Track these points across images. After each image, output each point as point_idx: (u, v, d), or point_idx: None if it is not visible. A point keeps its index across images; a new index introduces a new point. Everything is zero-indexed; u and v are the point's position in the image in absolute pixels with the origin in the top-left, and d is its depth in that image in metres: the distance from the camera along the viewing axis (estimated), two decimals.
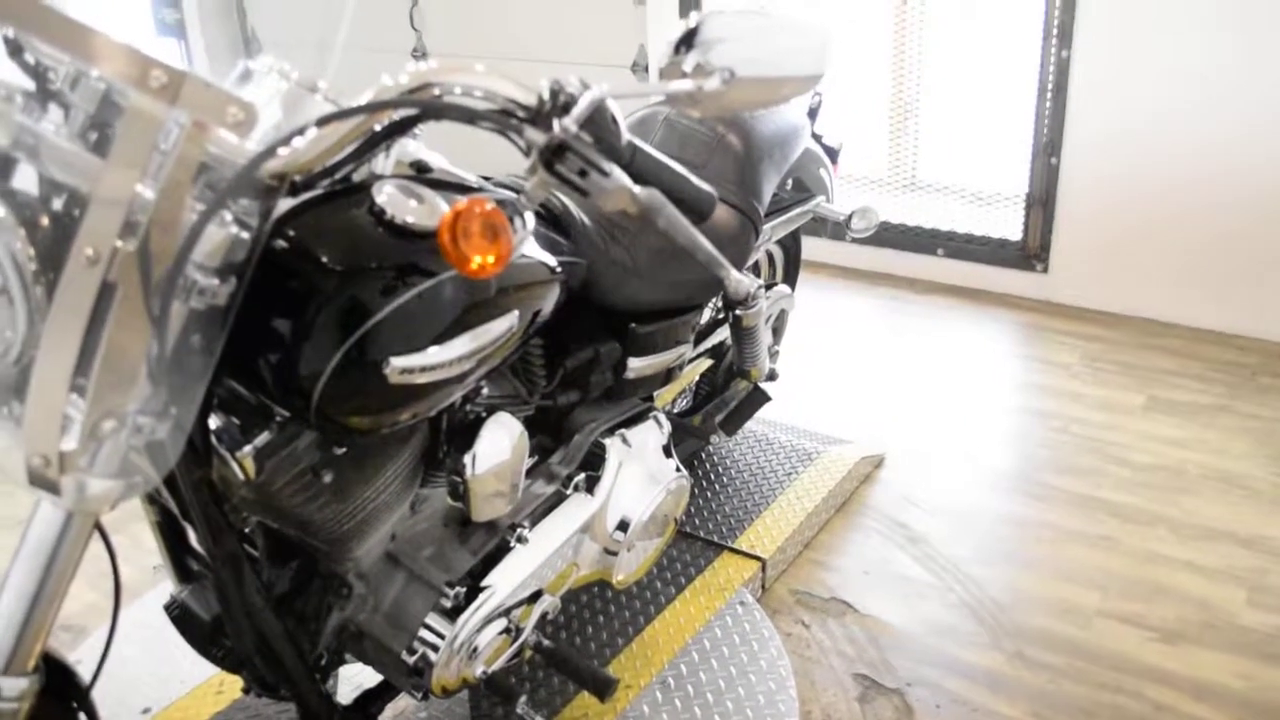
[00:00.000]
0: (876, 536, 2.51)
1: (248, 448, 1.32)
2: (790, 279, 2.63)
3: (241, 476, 1.34)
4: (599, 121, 1.04)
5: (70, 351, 0.93)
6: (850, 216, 2.36)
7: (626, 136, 1.08)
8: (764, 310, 2.14)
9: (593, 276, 1.68)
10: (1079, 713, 1.98)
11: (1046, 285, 3.65)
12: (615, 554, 1.85)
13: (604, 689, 1.71)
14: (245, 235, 1.03)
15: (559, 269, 1.52)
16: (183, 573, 1.58)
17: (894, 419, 3.00)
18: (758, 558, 2.32)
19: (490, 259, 1.02)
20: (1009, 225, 3.72)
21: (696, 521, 2.44)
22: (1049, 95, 3.44)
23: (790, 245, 2.55)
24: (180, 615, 1.53)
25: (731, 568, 2.30)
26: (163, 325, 0.96)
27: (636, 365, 1.83)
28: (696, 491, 2.54)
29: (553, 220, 1.65)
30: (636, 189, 1.05)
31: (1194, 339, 3.37)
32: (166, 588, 1.63)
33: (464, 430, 1.50)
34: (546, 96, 1.06)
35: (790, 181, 2.34)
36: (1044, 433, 2.91)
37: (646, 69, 4.34)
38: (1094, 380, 3.17)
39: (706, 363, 2.23)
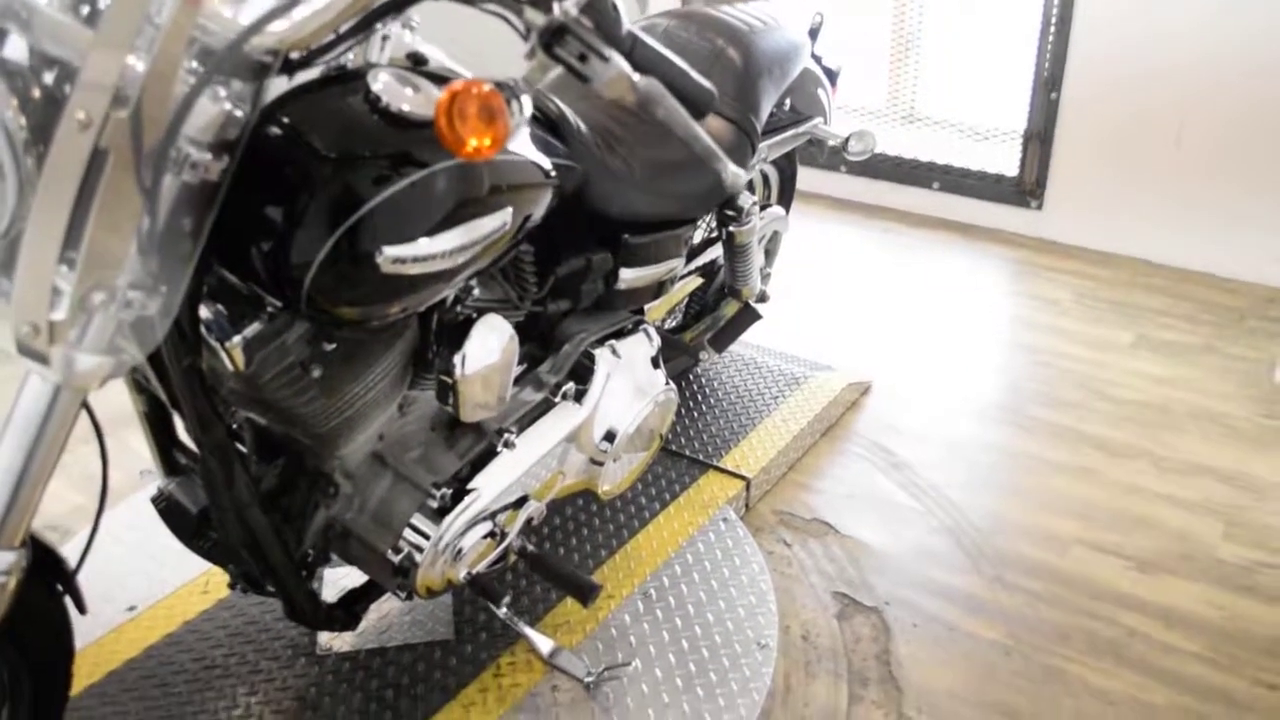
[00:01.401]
0: (861, 461, 2.53)
1: (237, 338, 1.31)
2: (785, 201, 2.61)
3: (230, 368, 1.34)
4: (599, 8, 1.02)
5: (60, 219, 0.91)
6: (848, 139, 2.34)
7: (627, 25, 1.06)
8: (757, 228, 2.13)
9: (588, 184, 1.67)
10: (1054, 636, 2.01)
11: (1041, 222, 3.64)
12: (601, 464, 1.86)
13: (586, 594, 1.73)
14: (239, 113, 1.02)
15: (553, 173, 1.50)
16: (170, 466, 1.58)
17: (882, 348, 3.01)
18: (742, 477, 2.33)
19: (486, 141, 1.01)
20: (1006, 161, 3.70)
21: (683, 440, 2.45)
22: (1052, 29, 3.40)
23: (785, 167, 2.53)
24: (167, 508, 1.54)
25: (716, 486, 2.31)
26: (154, 196, 0.95)
27: (628, 276, 1.82)
28: (684, 411, 2.54)
29: (549, 125, 1.63)
30: (636, 77, 1.03)
31: (1185, 280, 3.37)
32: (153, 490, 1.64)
33: (454, 331, 1.50)
34: None
35: (788, 103, 2.31)
36: (1031, 366, 2.92)
37: None
38: (1083, 317, 3.17)
39: (697, 281, 2.22)
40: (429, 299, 1.35)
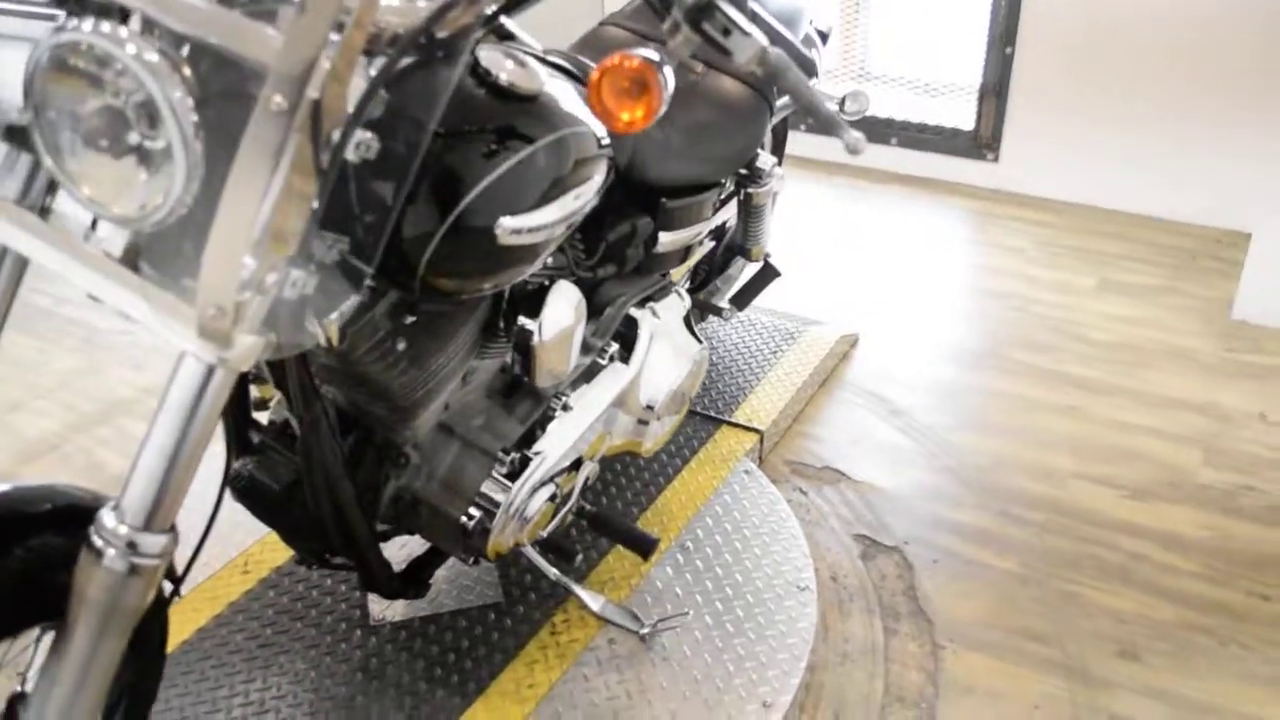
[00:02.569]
0: (860, 410, 2.63)
1: (334, 314, 1.34)
2: (778, 159, 2.69)
3: (325, 344, 1.37)
4: None
5: (254, 203, 0.94)
6: (843, 100, 2.41)
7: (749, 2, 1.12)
8: (774, 189, 2.20)
9: (633, 152, 1.72)
10: (1064, 564, 2.14)
11: (998, 174, 3.77)
12: (647, 423, 1.92)
13: (647, 548, 1.80)
14: (382, 93, 1.05)
15: (606, 143, 1.55)
16: (244, 446, 1.61)
17: (862, 302, 3.11)
18: (756, 430, 2.42)
19: (639, 113, 1.06)
20: (962, 116, 3.82)
21: (694, 398, 2.52)
22: None
23: (779, 128, 2.61)
24: (247, 487, 1.56)
25: (732, 440, 2.40)
26: (328, 178, 0.98)
27: (666, 240, 1.88)
28: None
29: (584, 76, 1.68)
30: (771, 48, 1.09)
31: (1138, 225, 3.53)
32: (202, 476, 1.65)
33: (527, 299, 1.54)
34: None
35: None
36: (1005, 312, 3.06)
37: None
38: (1047, 263, 3.32)
39: (710, 244, 2.29)
40: (530, 268, 1.39)
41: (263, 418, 1.64)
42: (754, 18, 1.13)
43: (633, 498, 2.21)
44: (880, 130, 3.94)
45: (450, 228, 1.21)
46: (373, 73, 1.06)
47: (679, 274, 2.16)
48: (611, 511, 1.97)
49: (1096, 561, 2.15)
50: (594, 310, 1.86)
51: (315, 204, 0.99)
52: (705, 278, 2.47)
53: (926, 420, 2.58)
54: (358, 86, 1.01)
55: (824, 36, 2.50)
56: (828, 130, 1.23)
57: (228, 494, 1.51)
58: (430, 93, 1.14)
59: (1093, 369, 2.78)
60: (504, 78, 1.20)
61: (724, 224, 2.32)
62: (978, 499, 2.32)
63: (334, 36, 0.95)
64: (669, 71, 1.09)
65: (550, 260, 1.64)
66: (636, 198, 1.81)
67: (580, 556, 1.98)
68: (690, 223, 1.93)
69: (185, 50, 1.01)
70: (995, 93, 3.67)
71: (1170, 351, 2.85)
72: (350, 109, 0.99)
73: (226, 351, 1.01)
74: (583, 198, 1.35)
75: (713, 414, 2.46)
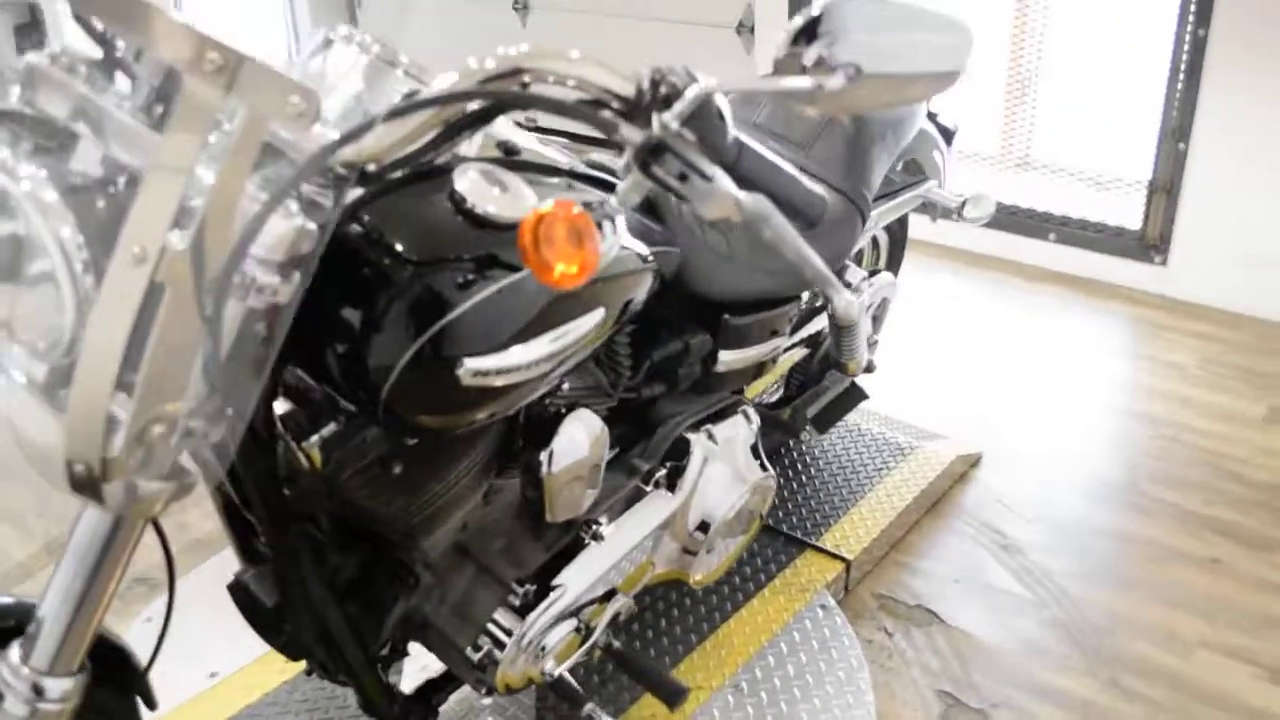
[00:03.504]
0: (969, 541, 2.39)
1: (314, 438, 1.26)
2: (894, 265, 2.50)
3: (307, 467, 1.29)
4: (704, 118, 0.93)
5: (115, 353, 0.86)
6: (964, 204, 2.22)
7: (733, 133, 0.97)
8: (865, 302, 2.02)
9: (686, 264, 1.59)
10: None
11: (1165, 279, 3.45)
12: (694, 554, 1.77)
13: (674, 697, 1.64)
14: (312, 227, 0.96)
15: (651, 258, 1.43)
16: (247, 553, 1.54)
17: (993, 415, 2.86)
18: (843, 558, 2.22)
19: (574, 268, 0.93)
20: (1128, 213, 3.51)
21: (780, 515, 2.34)
22: (1181, 75, 3.21)
23: (896, 229, 2.42)
24: (243, 598, 1.49)
25: (814, 567, 2.20)
26: (216, 325, 0.89)
27: (728, 358, 1.73)
28: (782, 482, 2.44)
29: (646, 204, 1.55)
30: (741, 195, 0.94)
31: None
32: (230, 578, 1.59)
33: (542, 425, 1.42)
34: (646, 88, 0.95)
35: (901, 164, 2.20)
36: (1152, 440, 2.75)
37: (752, 30, 4.18)
38: (1210, 385, 2.98)
39: (801, 352, 2.12)
40: (517, 405, 1.28)
41: None
42: (739, 152, 0.98)
43: (694, 624, 2.05)
44: (1038, 224, 3.68)
45: (412, 363, 1.10)
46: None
47: (756, 389, 2.00)
48: (639, 653, 1.82)
49: None
50: (642, 432, 1.73)
51: (208, 352, 0.89)
52: (801, 385, 2.30)
53: (1043, 562, 2.32)
54: (281, 225, 0.92)
55: (948, 135, 2.32)
56: (820, 287, 1.07)
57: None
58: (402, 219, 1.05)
59: (1246, 516, 2.45)
60: (479, 205, 1.09)
61: (819, 333, 2.15)
62: (1087, 663, 2.05)
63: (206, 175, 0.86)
64: (619, 221, 0.95)
65: (575, 380, 1.52)
66: (693, 311, 1.67)
67: (610, 684, 1.83)
68: (757, 340, 1.77)
69: (100, 169, 0.94)
70: (1166, 190, 3.36)
71: None
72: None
73: (122, 500, 0.92)
74: (571, 335, 1.22)
75: (798, 535, 2.28)
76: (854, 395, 2.13)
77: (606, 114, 0.94)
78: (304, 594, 1.35)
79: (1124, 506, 2.49)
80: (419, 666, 1.74)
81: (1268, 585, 2.23)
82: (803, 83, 0.94)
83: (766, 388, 2.28)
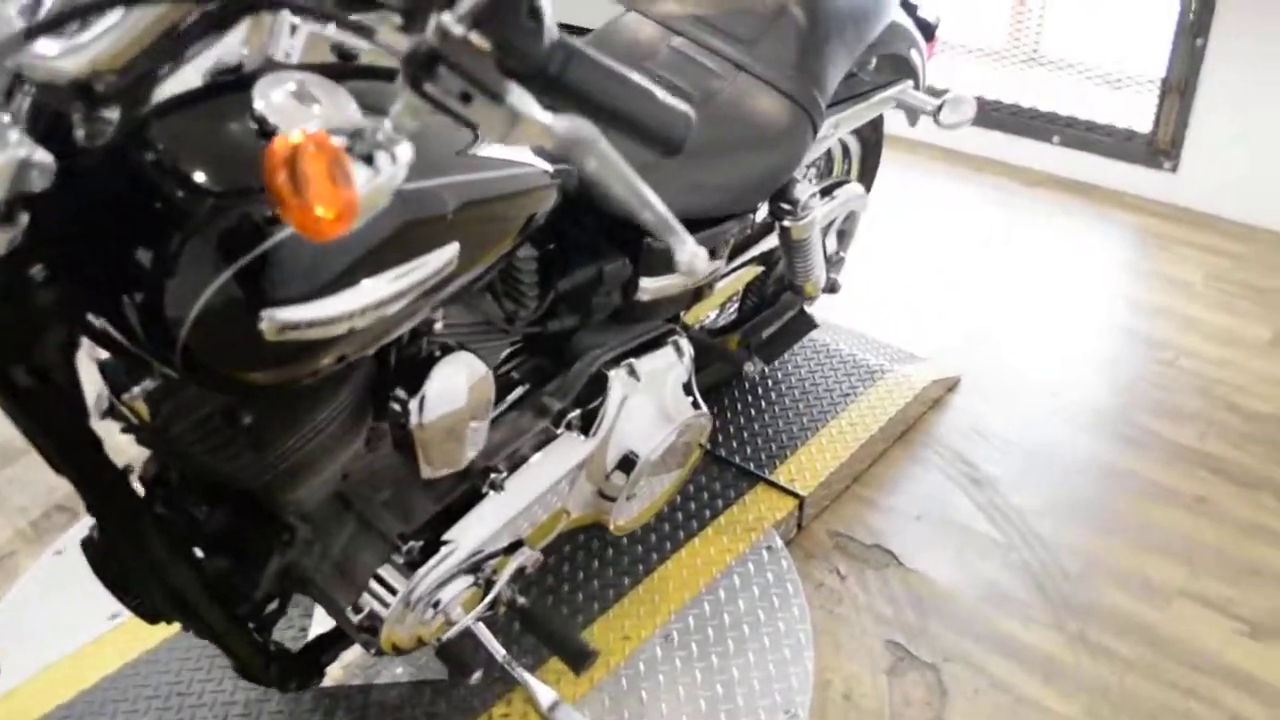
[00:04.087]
0: (937, 474, 2.23)
1: (136, 389, 1.10)
2: (868, 173, 2.28)
3: (135, 421, 1.13)
4: (505, 18, 0.73)
5: None
6: (941, 107, 1.99)
7: (552, 36, 0.76)
8: (819, 219, 1.82)
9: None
10: (1142, 717, 1.71)
11: (1175, 186, 3.21)
12: (613, 499, 1.61)
13: (579, 662, 1.50)
14: (43, 158, 0.77)
15: (551, 171, 1.23)
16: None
17: (979, 333, 2.67)
18: (795, 494, 2.05)
19: (332, 213, 0.74)
20: (1138, 115, 3.25)
21: (732, 445, 2.17)
22: None
23: (869, 135, 2.20)
24: (93, 556, 1.34)
25: (764, 504, 2.05)
26: None
27: (651, 286, 1.54)
28: (737, 408, 2.26)
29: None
30: (548, 119, 0.75)
31: None
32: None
33: (414, 368, 1.25)
34: None
35: (874, 60, 1.97)
36: (1149, 364, 2.56)
37: None
38: (1217, 304, 2.77)
39: (754, 270, 1.93)
40: (358, 354, 1.10)
41: None
42: (565, 61, 0.77)
43: (628, 565, 1.90)
44: (1042, 126, 3.42)
45: (208, 313, 0.92)
46: None
47: (698, 313, 1.82)
48: (546, 610, 1.67)
49: None
50: (556, 367, 1.55)
51: None
52: (756, 307, 2.11)
53: (1015, 498, 2.15)
54: None
55: (928, 29, 2.09)
56: (659, 235, 0.87)
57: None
58: None
59: (1240, 450, 2.27)
60: (283, 125, 0.89)
61: (773, 250, 1.95)
62: (1052, 614, 1.90)
63: None
64: (400, 151, 0.76)
65: (461, 315, 1.34)
66: (610, 232, 1.48)
67: (524, 639, 1.69)
68: None
69: None
70: (1180, 91, 3.10)
71: None
72: None
73: None
74: (416, 274, 1.04)
75: (750, 467, 2.11)
76: (801, 324, 1.93)
77: (371, 15, 0.74)
78: (142, 553, 1.20)
79: (1111, 437, 2.32)
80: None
81: (1255, 529, 2.07)
82: None
83: (714, 310, 2.09)
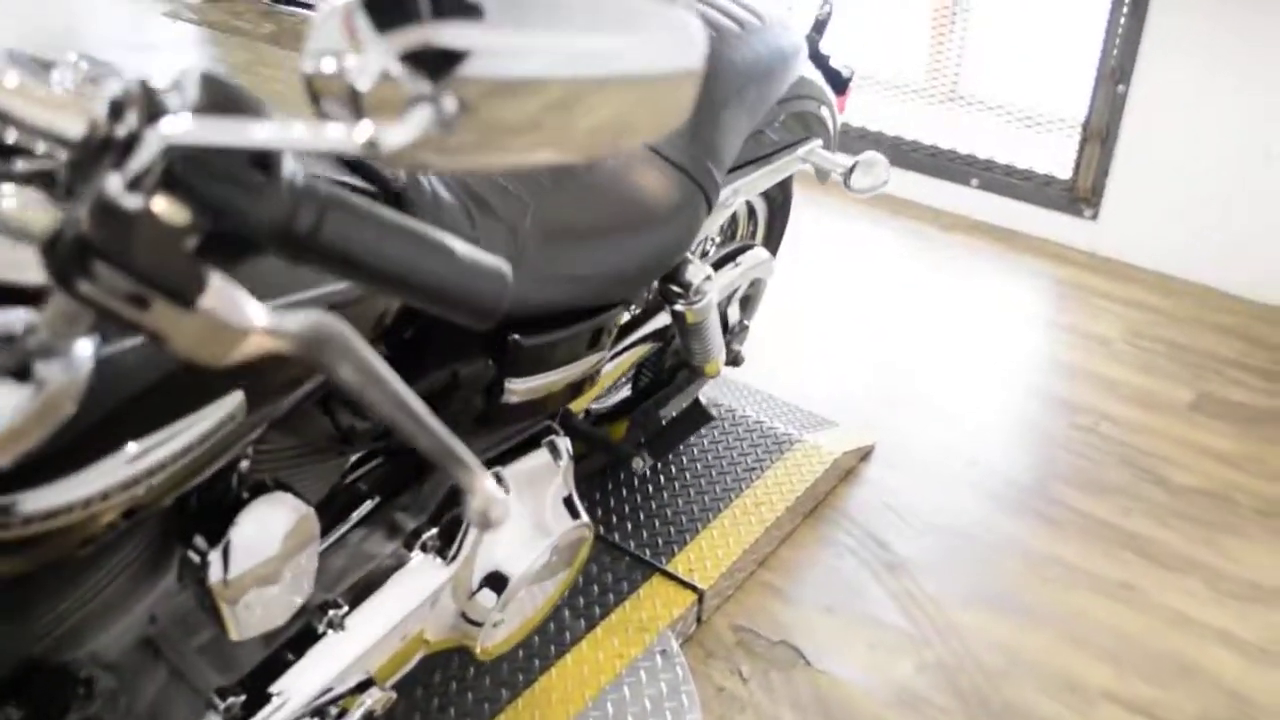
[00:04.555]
0: (849, 556, 2.07)
1: None
2: (775, 236, 2.12)
3: None
4: (212, 173, 0.53)
5: None
6: (852, 169, 1.84)
7: (296, 185, 0.56)
8: (714, 302, 1.64)
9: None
10: None
11: (1095, 235, 3.11)
12: (479, 624, 1.42)
13: None
14: None
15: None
16: None
17: (892, 393, 2.53)
18: (695, 588, 1.88)
19: None
20: (1058, 160, 3.15)
21: (627, 527, 1.99)
22: (1125, 9, 2.83)
23: (777, 195, 2.04)
24: None
25: (660, 599, 1.87)
26: None
27: (520, 387, 1.35)
28: (633, 485, 2.08)
29: (389, 195, 1.15)
30: (273, 322, 0.55)
31: (1263, 318, 2.84)
32: None
33: (215, 513, 1.04)
34: (101, 128, 0.55)
35: (781, 116, 1.81)
36: (1069, 430, 2.43)
37: None
38: (1137, 363, 2.67)
39: (645, 348, 1.75)
40: (131, 521, 0.89)
41: None
42: (319, 218, 0.57)
43: (507, 675, 1.71)
44: (960, 168, 3.31)
45: None
46: None
47: (582, 403, 1.63)
48: None
49: None
50: (410, 477, 1.36)
51: None
52: (650, 386, 1.93)
53: (930, 586, 2.00)
54: None
55: (840, 83, 1.94)
56: (450, 471, 0.67)
57: None
58: None
59: (1165, 528, 2.15)
60: None
61: (667, 328, 1.78)
62: (970, 718, 1.75)
63: None
64: (44, 375, 0.54)
65: (282, 440, 1.14)
66: (467, 333, 1.29)
67: None
68: (562, 362, 1.40)
69: None
70: (1101, 137, 3.00)
71: (1270, 512, 2.20)
72: None
73: None
74: (191, 433, 0.83)
75: (645, 555, 1.93)
76: (695, 417, 1.74)
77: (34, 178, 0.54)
78: None
79: (1031, 515, 2.18)
80: None
81: (1182, 620, 1.94)
82: (339, 134, 0.53)
83: (609, 387, 1.91)
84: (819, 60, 1.94)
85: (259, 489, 1.06)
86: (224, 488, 1.05)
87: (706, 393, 2.20)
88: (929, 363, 2.66)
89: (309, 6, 5.24)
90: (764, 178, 1.76)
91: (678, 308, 1.59)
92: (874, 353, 2.69)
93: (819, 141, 1.87)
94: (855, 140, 3.47)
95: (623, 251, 1.38)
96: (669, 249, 1.45)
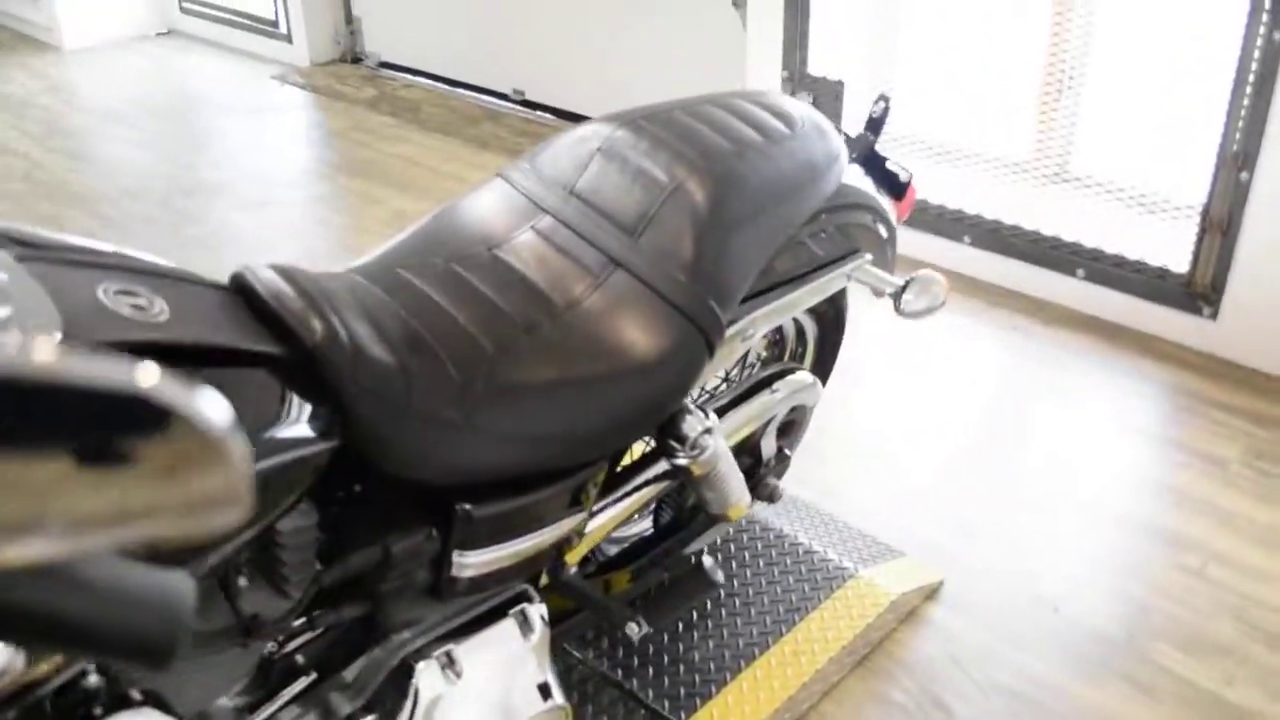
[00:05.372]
0: (900, 718, 1.82)
1: None
2: (825, 359, 1.91)
3: None
4: None
5: None
6: (904, 289, 1.62)
7: None
8: (723, 450, 1.44)
9: (376, 435, 1.04)
10: None
11: (1213, 335, 2.79)
12: None
13: None
14: None
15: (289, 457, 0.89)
16: None
17: (968, 516, 2.27)
18: None
19: None
20: (1174, 251, 2.85)
21: (648, 673, 1.79)
22: (1249, 89, 2.54)
23: (827, 310, 1.82)
24: None
25: None
26: None
27: (474, 560, 1.18)
28: (650, 630, 1.88)
29: (298, 359, 1.00)
30: None
31: None
32: None
33: None
34: None
35: (828, 228, 1.61)
36: (1171, 572, 2.13)
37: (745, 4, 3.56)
38: (1257, 492, 2.35)
39: (654, 489, 1.55)
40: None
41: None
42: None
43: None
44: (1065, 257, 3.03)
45: None
46: None
47: (576, 555, 1.44)
48: None
49: None
50: (347, 653, 1.19)
51: None
52: (671, 525, 1.72)
53: None
54: None
55: (897, 188, 1.73)
56: None
57: None
58: None
59: (1276, 702, 1.84)
60: None
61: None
62: None
63: None
64: None
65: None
66: (409, 498, 1.13)
67: None
68: (524, 530, 1.22)
69: None
70: (1222, 228, 2.69)
71: None
72: None
73: None
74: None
75: (665, 709, 1.73)
76: (697, 585, 1.51)
77: None
78: None
79: (1118, 679, 1.90)
80: None
81: None
82: None
83: (630, 518, 1.71)
84: (874, 162, 1.74)
85: (119, 703, 0.90)
86: (73, 700, 0.90)
87: (755, 511, 2.00)
88: (1015, 483, 2.38)
89: (415, 73, 5.24)
90: (800, 299, 1.56)
91: (678, 462, 1.40)
92: (955, 468, 2.43)
93: (867, 257, 1.66)
94: (950, 223, 3.23)
95: (600, 405, 1.20)
96: (657, 400, 1.26)
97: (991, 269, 3.17)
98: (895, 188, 1.74)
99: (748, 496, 1.58)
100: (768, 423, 1.70)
